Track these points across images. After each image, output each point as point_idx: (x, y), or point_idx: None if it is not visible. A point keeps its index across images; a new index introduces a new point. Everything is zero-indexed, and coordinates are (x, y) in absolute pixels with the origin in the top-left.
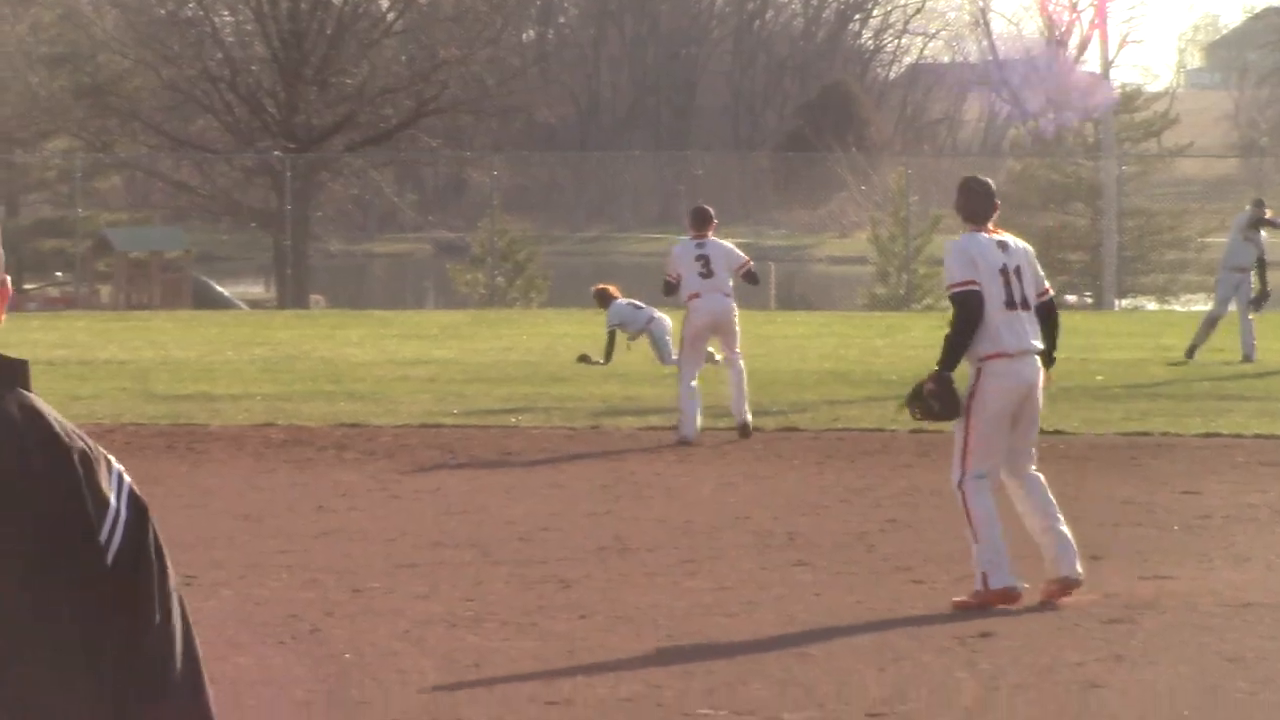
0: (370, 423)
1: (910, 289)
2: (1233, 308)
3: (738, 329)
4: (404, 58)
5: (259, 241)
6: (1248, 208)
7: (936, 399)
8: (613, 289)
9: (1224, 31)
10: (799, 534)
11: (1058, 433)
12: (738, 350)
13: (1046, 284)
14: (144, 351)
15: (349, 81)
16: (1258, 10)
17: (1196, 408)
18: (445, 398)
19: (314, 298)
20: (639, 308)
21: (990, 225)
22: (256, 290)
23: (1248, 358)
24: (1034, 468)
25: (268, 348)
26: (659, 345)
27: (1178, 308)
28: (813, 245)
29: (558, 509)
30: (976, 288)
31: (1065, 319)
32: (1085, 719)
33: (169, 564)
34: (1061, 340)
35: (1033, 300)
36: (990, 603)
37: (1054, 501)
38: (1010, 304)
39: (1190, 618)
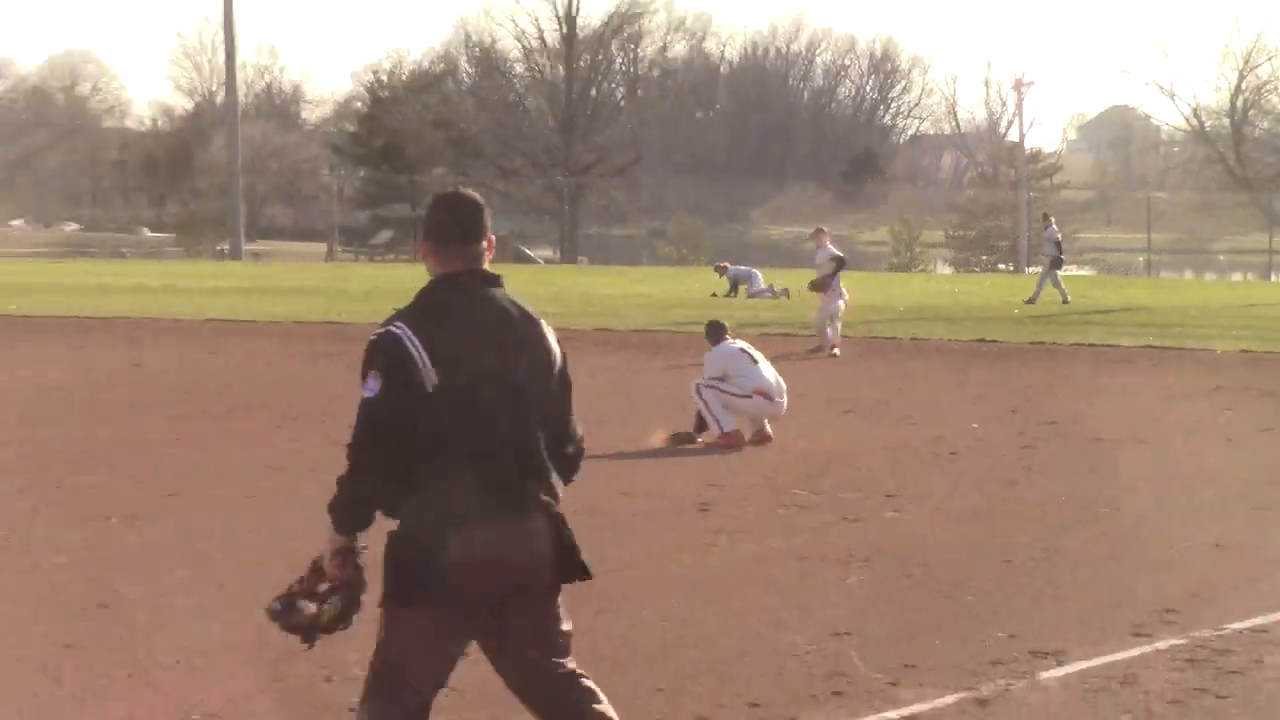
0: (613, 328)
1: (910, 260)
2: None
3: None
4: (629, 127)
5: (550, 226)
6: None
7: None
8: (725, 264)
9: (1089, 118)
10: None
11: (993, 341)
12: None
13: None
14: None
15: (598, 139)
16: (1108, 107)
17: (1077, 330)
18: (656, 315)
19: (580, 259)
20: (745, 269)
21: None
22: (548, 253)
23: (1031, 300)
24: None
25: (555, 287)
26: (756, 285)
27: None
28: (855, 234)
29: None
30: None
31: (997, 280)
32: (1011, 502)
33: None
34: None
35: None
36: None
37: None
38: None
39: (1070, 445)
